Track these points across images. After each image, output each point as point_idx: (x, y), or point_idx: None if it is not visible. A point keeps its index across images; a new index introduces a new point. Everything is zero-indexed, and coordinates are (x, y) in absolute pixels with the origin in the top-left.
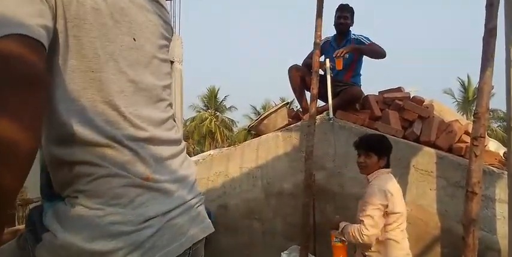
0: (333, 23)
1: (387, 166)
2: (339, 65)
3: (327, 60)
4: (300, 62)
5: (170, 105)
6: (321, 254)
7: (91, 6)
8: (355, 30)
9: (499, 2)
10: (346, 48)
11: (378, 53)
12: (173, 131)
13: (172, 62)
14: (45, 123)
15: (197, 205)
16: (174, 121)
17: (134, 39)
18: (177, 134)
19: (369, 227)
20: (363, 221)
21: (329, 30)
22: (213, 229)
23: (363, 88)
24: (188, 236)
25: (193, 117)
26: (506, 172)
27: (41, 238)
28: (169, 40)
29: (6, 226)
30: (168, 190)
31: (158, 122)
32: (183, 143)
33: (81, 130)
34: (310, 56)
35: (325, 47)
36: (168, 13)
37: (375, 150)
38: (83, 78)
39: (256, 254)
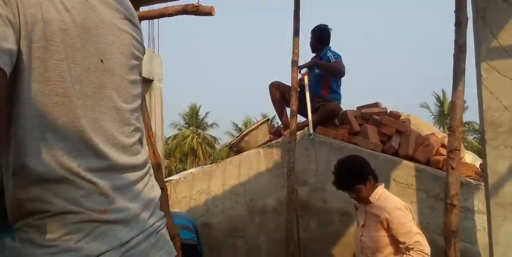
0: None
1: (376, 179)
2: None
3: (305, 76)
4: (281, 78)
5: (137, 129)
6: None
7: (59, 27)
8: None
9: (467, 21)
10: (306, 63)
11: (334, 71)
12: (138, 156)
13: (151, 81)
14: (3, 153)
15: (159, 229)
16: (141, 145)
17: (102, 60)
18: (142, 158)
19: (425, 243)
20: (418, 241)
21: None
22: (175, 253)
23: (342, 104)
24: None
25: (175, 135)
26: (483, 183)
27: None
28: (140, 60)
29: None
30: (127, 219)
31: (122, 148)
32: (148, 165)
33: (36, 161)
34: None
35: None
36: (140, 31)
37: (357, 181)
38: (46, 102)
39: None
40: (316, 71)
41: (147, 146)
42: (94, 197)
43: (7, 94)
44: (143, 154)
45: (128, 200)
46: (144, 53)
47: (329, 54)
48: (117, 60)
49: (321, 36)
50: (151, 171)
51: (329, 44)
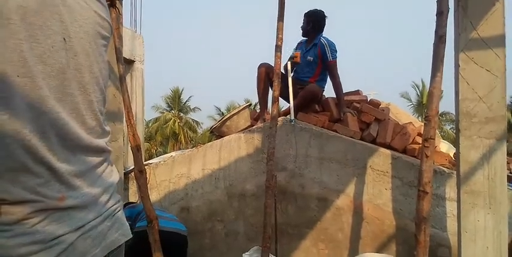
0: None
1: None
2: (298, 58)
3: (288, 62)
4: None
5: (100, 111)
6: (282, 254)
7: (17, 4)
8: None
9: (448, 11)
10: (342, 110)
11: (341, 90)
12: (100, 140)
13: (133, 62)
14: None
15: (115, 212)
16: (104, 129)
17: (65, 39)
18: (103, 142)
19: None
20: None
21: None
22: (131, 235)
23: (326, 93)
24: (103, 246)
25: (157, 118)
26: (455, 172)
27: None
28: (107, 39)
29: None
30: (85, 203)
31: (88, 129)
32: (108, 150)
33: None
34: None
35: (297, 48)
36: (106, 9)
37: None
38: (9, 83)
39: (219, 256)
40: (309, 58)
41: (109, 131)
42: (52, 185)
43: None
44: (104, 139)
45: (87, 185)
46: (112, 31)
47: (327, 47)
48: (81, 40)
49: (317, 21)
50: (111, 157)
51: (323, 30)
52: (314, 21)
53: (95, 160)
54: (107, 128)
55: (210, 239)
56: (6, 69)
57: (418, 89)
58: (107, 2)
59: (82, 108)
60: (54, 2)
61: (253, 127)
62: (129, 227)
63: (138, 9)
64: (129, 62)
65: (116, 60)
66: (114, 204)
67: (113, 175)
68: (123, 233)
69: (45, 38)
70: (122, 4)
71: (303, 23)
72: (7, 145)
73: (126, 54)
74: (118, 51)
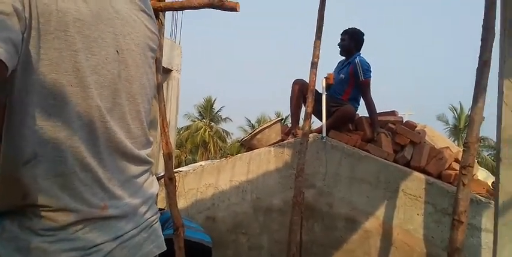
0: None
1: None
2: (330, 79)
3: (323, 79)
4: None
5: (146, 122)
6: None
7: (74, 17)
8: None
9: (494, 37)
10: (376, 130)
11: (375, 113)
12: (143, 151)
13: (170, 71)
14: (11, 142)
15: (152, 224)
16: (148, 139)
17: (117, 51)
18: (146, 152)
19: None
20: None
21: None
22: (165, 248)
23: (358, 111)
24: (138, 256)
25: (188, 126)
26: (493, 202)
27: None
28: (154, 51)
29: None
30: (125, 213)
31: (133, 139)
32: (150, 161)
33: (48, 151)
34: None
35: (336, 68)
36: (154, 22)
37: None
38: (62, 92)
39: None
40: (342, 75)
41: (152, 142)
42: (96, 193)
43: (20, 85)
44: (148, 149)
45: (128, 195)
46: (158, 43)
47: (359, 66)
48: (132, 52)
49: (357, 39)
50: (152, 168)
51: (360, 49)
52: (356, 39)
53: (138, 170)
54: (151, 138)
55: (233, 251)
56: (61, 78)
57: (456, 112)
58: None
59: (129, 118)
60: (110, 16)
61: (284, 142)
62: (163, 240)
63: (179, 19)
64: (167, 71)
65: (155, 70)
66: (152, 215)
67: (154, 186)
68: (157, 246)
69: (99, 50)
70: (164, 15)
71: (340, 40)
72: (60, 151)
73: (164, 63)
74: (158, 62)
